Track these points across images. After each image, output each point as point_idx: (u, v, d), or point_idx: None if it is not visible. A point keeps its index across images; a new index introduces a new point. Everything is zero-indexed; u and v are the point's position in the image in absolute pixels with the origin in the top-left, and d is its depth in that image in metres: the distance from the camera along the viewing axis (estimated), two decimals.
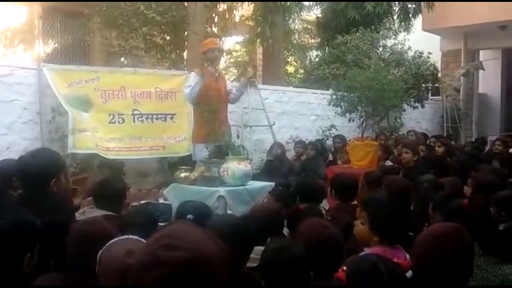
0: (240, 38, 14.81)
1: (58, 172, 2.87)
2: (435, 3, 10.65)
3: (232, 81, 6.20)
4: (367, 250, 2.67)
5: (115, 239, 1.96)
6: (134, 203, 4.96)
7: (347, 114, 8.58)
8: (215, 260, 1.13)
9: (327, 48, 11.75)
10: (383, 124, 9.45)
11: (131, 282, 1.16)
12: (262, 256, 2.22)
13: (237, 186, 4.61)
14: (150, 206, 4.91)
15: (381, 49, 11.19)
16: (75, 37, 9.81)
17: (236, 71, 15.22)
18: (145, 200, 5.63)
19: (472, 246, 2.01)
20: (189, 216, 2.99)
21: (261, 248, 2.44)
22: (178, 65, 8.31)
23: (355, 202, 3.92)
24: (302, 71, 14.36)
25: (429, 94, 13.08)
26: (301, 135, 8.63)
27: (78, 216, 3.26)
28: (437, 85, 12.33)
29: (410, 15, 11.96)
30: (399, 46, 11.35)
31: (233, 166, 4.57)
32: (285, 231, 3.35)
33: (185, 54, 8.47)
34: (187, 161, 5.66)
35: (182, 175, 4.89)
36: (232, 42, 14.93)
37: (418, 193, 3.98)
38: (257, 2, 10.15)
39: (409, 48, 11.31)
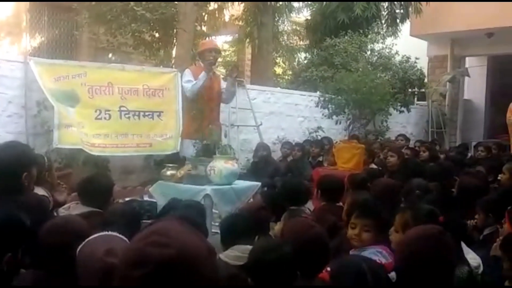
0: (229, 38, 14.81)
1: (29, 165, 2.81)
2: (423, 9, 10.75)
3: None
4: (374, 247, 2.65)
5: (94, 236, 1.95)
6: (120, 200, 4.94)
7: (334, 116, 8.70)
8: (201, 256, 1.13)
9: (315, 50, 11.77)
10: (369, 127, 9.52)
11: (117, 279, 1.15)
12: (250, 255, 2.24)
13: (223, 185, 4.58)
14: (135, 204, 4.90)
15: (369, 52, 11.27)
16: (62, 32, 9.77)
17: (224, 70, 15.21)
18: (130, 197, 5.62)
19: (453, 248, 2.06)
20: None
21: (247, 246, 2.48)
22: (166, 62, 8.29)
23: (341, 204, 3.92)
24: (290, 72, 14.39)
25: (415, 99, 13.13)
26: (287, 136, 8.64)
27: (63, 211, 3.25)
28: (423, 90, 12.41)
29: (398, 20, 12.03)
30: (387, 51, 11.44)
31: (220, 165, 4.54)
32: (271, 233, 3.36)
33: (173, 51, 8.45)
34: (174, 159, 5.65)
35: (169, 172, 4.86)
36: (221, 41, 14.92)
37: (409, 198, 3.93)
38: (247, 2, 10.15)
39: (397, 52, 11.38)
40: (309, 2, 12.68)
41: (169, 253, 1.08)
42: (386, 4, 11.97)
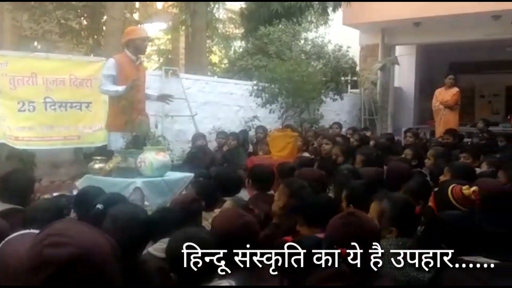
0: (163, 25, 14.56)
1: None
2: None
3: (154, 70, 6.02)
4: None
5: (15, 234, 1.90)
6: (47, 195, 4.75)
7: (268, 105, 8.76)
8: (104, 254, 1.11)
9: (250, 39, 11.76)
10: (304, 115, 9.63)
11: (20, 285, 1.12)
12: (166, 247, 2.19)
13: (154, 177, 4.50)
14: (62, 199, 4.72)
15: (302, 41, 11.34)
16: None
17: (157, 59, 14.89)
18: (58, 192, 5.41)
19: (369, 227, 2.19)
20: (98, 206, 2.90)
21: None
22: (95, 51, 7.99)
23: (272, 192, 4.00)
24: (226, 61, 14.32)
25: (348, 87, 13.47)
26: (223, 126, 8.59)
27: None
28: (355, 78, 12.71)
29: (330, 9, 12.17)
30: (320, 39, 11.57)
31: (151, 157, 4.46)
32: (205, 224, 3.31)
33: (102, 39, 8.16)
34: (104, 152, 5.47)
35: (97, 166, 4.73)
36: (154, 30, 14.60)
37: (336, 180, 4.01)
38: None
39: (329, 41, 11.55)
40: None
41: (69, 252, 1.05)
42: None
